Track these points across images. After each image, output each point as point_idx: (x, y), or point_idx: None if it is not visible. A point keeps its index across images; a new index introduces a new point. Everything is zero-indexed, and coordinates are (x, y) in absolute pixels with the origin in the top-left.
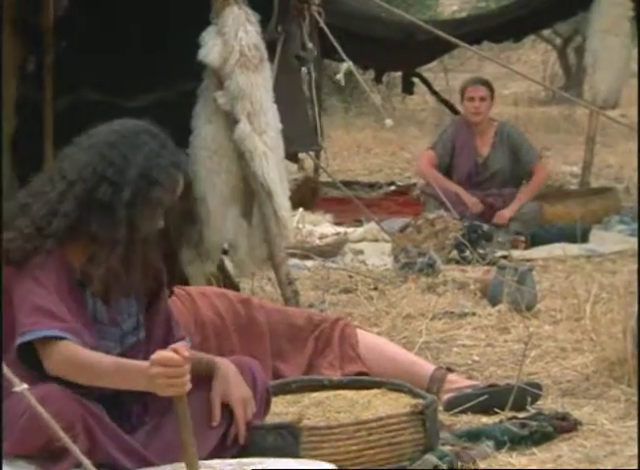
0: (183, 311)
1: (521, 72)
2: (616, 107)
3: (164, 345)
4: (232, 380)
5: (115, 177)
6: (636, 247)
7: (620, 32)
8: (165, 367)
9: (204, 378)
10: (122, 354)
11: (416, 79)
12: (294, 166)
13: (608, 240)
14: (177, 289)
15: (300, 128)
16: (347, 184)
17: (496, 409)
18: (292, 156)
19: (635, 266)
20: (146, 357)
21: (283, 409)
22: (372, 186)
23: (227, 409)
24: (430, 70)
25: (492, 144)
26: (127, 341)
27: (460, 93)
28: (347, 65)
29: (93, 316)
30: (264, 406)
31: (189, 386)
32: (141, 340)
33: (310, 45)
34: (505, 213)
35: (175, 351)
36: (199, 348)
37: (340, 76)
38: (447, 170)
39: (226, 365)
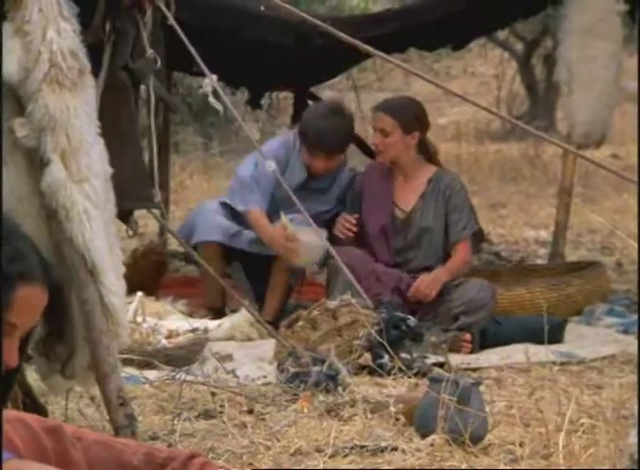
0: None
1: (462, 95)
2: (602, 144)
3: None
4: None
5: None
6: (631, 349)
7: (607, 34)
8: None
9: None
10: None
11: (312, 102)
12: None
13: (591, 339)
14: None
15: (134, 174)
16: None
17: None
18: (123, 214)
19: (630, 378)
20: None
21: None
22: None
23: None
24: (333, 89)
25: (422, 194)
26: None
27: None
28: (209, 81)
29: None
30: None
31: None
32: None
33: (151, 51)
34: (424, 286)
35: None
36: None
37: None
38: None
39: None
